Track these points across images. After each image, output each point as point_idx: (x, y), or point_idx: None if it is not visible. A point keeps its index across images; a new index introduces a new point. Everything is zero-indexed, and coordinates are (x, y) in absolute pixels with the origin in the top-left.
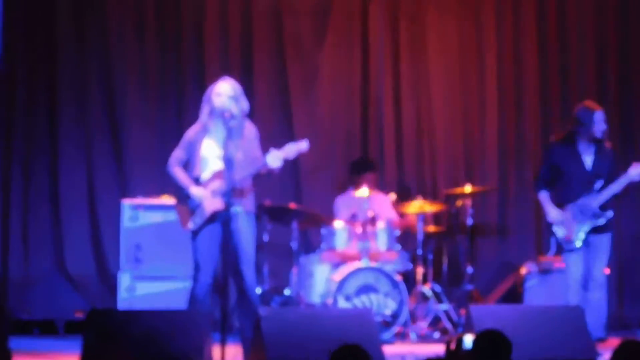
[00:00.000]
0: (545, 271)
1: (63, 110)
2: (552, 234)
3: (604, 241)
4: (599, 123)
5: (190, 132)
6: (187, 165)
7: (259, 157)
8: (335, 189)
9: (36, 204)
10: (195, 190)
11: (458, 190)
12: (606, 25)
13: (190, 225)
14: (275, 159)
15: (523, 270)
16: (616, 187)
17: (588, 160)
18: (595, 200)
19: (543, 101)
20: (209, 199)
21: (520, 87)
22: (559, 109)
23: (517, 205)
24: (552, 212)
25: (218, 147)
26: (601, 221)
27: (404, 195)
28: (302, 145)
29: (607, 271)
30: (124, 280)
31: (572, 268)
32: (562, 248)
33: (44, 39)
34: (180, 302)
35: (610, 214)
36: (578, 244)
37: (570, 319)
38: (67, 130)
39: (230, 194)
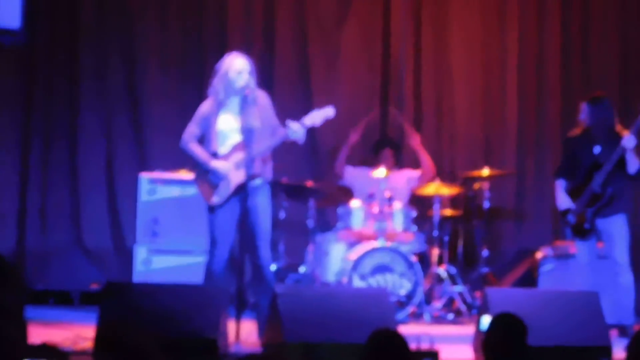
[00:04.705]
0: (561, 256)
1: (83, 84)
2: (566, 221)
3: (615, 223)
4: (584, 113)
5: (204, 107)
6: (203, 140)
7: (276, 125)
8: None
9: (55, 176)
10: (218, 164)
11: (476, 173)
12: (630, 11)
13: (216, 199)
14: (296, 131)
15: (539, 255)
16: (611, 163)
17: (597, 148)
18: (595, 182)
19: (565, 87)
20: (233, 172)
21: (542, 71)
22: (581, 95)
23: (535, 190)
24: (561, 199)
25: (235, 120)
26: (602, 202)
27: None
28: (329, 112)
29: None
30: (140, 253)
31: (580, 254)
32: (574, 235)
33: (65, 12)
34: (196, 277)
35: (609, 191)
36: (585, 231)
37: (585, 305)
38: (86, 104)
39: (252, 165)
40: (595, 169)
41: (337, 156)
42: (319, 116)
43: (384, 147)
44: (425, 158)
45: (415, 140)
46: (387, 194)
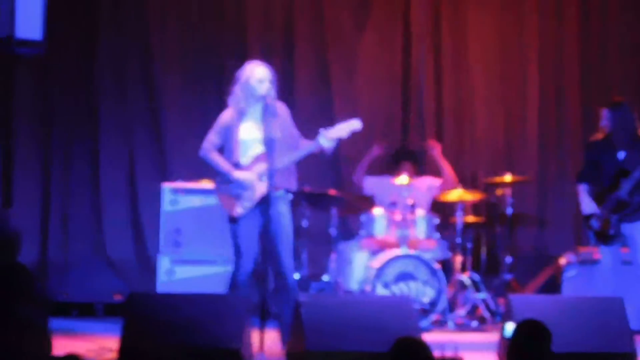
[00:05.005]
0: (584, 262)
1: (103, 95)
2: (589, 226)
3: (639, 229)
4: (605, 119)
5: (225, 117)
6: (223, 150)
7: (297, 137)
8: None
9: (77, 187)
10: (242, 175)
11: (498, 179)
12: None
13: (240, 210)
14: (327, 139)
15: (562, 261)
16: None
17: (622, 154)
18: (623, 189)
19: (584, 92)
20: (257, 182)
21: (562, 77)
22: (600, 100)
23: (557, 196)
24: (585, 204)
25: (258, 129)
26: (630, 209)
27: None
28: (356, 125)
29: None
30: (163, 263)
31: (604, 259)
32: (598, 240)
33: (84, 24)
34: (219, 286)
35: (637, 199)
36: (609, 237)
37: (610, 311)
38: (107, 114)
39: (275, 176)
40: (621, 175)
41: (357, 167)
42: (346, 128)
43: (404, 159)
44: (447, 168)
45: (436, 150)
46: (409, 201)
